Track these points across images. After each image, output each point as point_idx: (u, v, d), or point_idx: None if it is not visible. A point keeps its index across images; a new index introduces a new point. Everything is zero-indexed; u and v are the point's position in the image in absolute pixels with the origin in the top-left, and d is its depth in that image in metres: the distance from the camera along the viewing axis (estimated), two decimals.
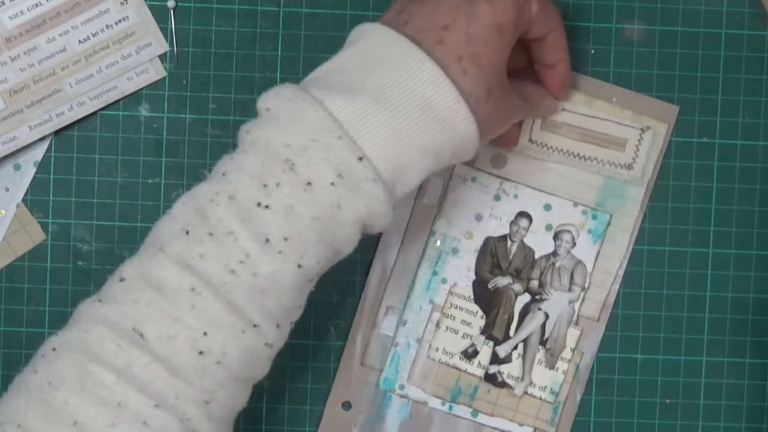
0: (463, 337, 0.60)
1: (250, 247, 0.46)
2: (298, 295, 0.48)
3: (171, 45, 0.61)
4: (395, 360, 0.60)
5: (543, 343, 0.60)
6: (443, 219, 0.60)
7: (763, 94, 0.62)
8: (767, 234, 0.62)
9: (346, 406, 0.60)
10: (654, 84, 0.61)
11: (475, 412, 0.60)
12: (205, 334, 0.46)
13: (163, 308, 0.46)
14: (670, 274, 0.62)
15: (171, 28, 0.61)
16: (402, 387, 0.60)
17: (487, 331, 0.60)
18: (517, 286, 0.60)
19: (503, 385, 0.60)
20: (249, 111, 0.61)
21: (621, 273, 0.60)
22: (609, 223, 0.60)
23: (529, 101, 0.56)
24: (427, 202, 0.60)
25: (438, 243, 0.60)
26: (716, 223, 0.62)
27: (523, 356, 0.60)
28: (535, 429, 0.60)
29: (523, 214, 0.60)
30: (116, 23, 0.60)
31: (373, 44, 0.50)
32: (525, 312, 0.60)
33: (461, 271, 0.60)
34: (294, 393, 0.62)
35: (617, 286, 0.60)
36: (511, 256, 0.60)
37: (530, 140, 0.60)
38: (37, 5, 0.59)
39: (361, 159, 0.47)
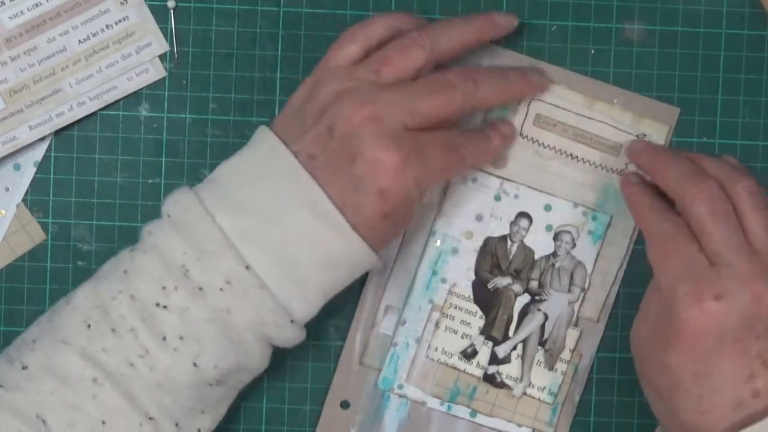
0: (462, 337, 0.60)
1: (149, 344, 0.50)
2: (199, 397, 0.51)
3: (171, 45, 0.61)
4: (394, 359, 0.60)
5: (542, 343, 0.60)
6: (443, 219, 0.60)
7: (763, 94, 0.62)
8: None
9: (345, 405, 0.60)
10: (654, 84, 0.61)
11: (474, 413, 0.60)
12: (103, 422, 0.49)
13: (65, 397, 0.49)
14: None
15: (171, 28, 0.61)
16: (401, 386, 0.60)
17: (486, 332, 0.60)
18: (517, 287, 0.60)
19: (502, 385, 0.60)
20: (249, 111, 0.61)
21: (621, 275, 0.60)
22: (609, 225, 0.60)
23: (468, 148, 0.55)
24: (427, 201, 0.59)
25: (438, 243, 0.60)
26: None
27: (522, 357, 0.60)
28: (534, 430, 0.60)
29: (523, 215, 0.60)
30: (116, 23, 0.60)
31: (266, 157, 0.53)
32: (524, 312, 0.60)
33: (461, 271, 0.60)
34: (294, 393, 0.62)
35: (617, 288, 0.60)
36: (511, 257, 0.60)
37: (522, 135, 0.59)
38: (37, 5, 0.59)
39: (247, 268, 0.50)
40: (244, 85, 0.61)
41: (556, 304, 0.60)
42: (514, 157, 0.60)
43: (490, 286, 0.60)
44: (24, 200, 0.61)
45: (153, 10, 0.60)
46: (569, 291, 0.60)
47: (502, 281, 0.60)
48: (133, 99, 0.61)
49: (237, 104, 0.61)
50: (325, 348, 0.61)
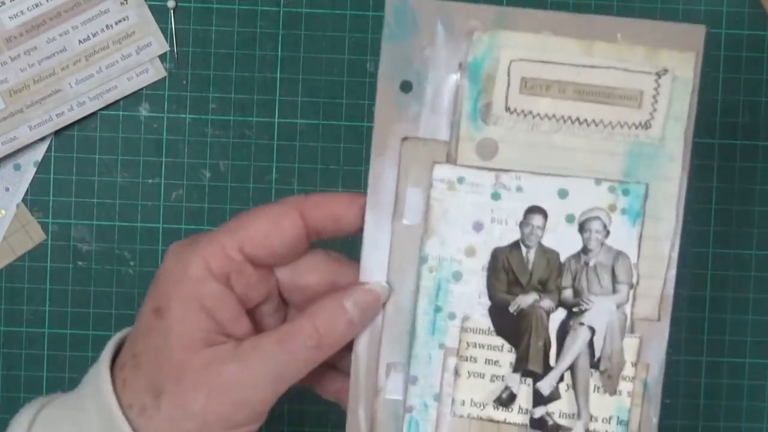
0: (492, 380, 0.48)
1: None
2: None
3: (171, 45, 0.61)
4: (413, 428, 0.48)
5: (595, 365, 0.48)
6: (433, 239, 0.47)
7: (763, 94, 0.62)
8: (767, 234, 0.62)
9: None
10: None
11: None
12: None
13: None
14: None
15: (171, 28, 0.61)
16: None
17: (521, 367, 0.48)
18: (547, 302, 0.48)
19: (556, 428, 0.48)
20: (249, 111, 0.61)
21: (675, 254, 0.47)
22: (646, 196, 0.47)
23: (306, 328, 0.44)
24: (408, 222, 0.46)
25: (433, 271, 0.47)
26: (716, 223, 0.62)
27: (574, 387, 0.48)
28: None
29: (534, 210, 0.47)
30: (116, 23, 0.60)
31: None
32: (564, 332, 0.48)
33: (471, 300, 0.47)
34: (294, 393, 0.62)
35: (674, 271, 0.47)
36: (530, 267, 0.48)
37: (507, 109, 0.47)
38: (37, 5, 0.59)
39: None
40: (244, 85, 0.61)
41: (601, 312, 0.48)
42: (504, 140, 0.47)
43: (512, 309, 0.48)
44: (24, 200, 0.61)
45: (153, 10, 0.60)
46: (614, 291, 0.48)
47: (526, 300, 0.48)
48: (133, 99, 0.61)
49: (237, 104, 0.61)
50: None
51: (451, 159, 0.47)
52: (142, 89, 0.61)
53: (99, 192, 0.61)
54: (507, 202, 0.47)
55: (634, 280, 0.48)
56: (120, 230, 0.61)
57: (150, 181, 0.61)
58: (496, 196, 0.47)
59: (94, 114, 0.61)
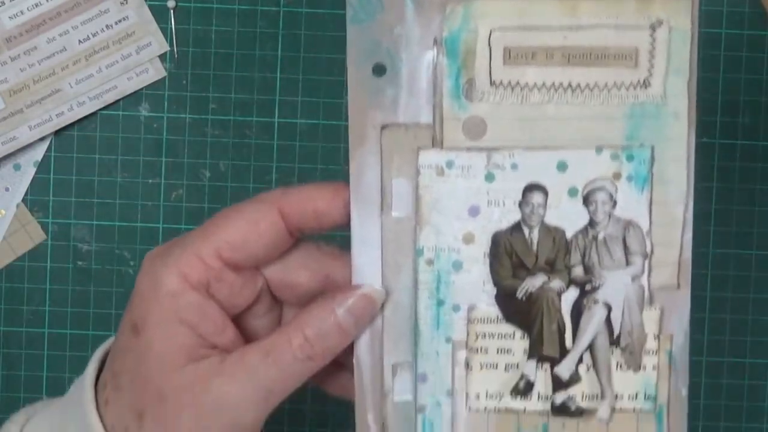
0: (506, 369, 0.46)
1: None
2: None
3: (171, 45, 0.61)
4: (428, 428, 0.45)
5: (615, 342, 0.46)
6: (427, 230, 0.44)
7: (763, 94, 0.62)
8: (767, 234, 0.62)
9: None
10: None
11: None
12: None
13: None
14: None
15: (171, 28, 0.61)
16: None
17: (536, 353, 0.45)
18: (557, 283, 0.45)
19: (580, 412, 0.45)
20: (249, 111, 0.61)
21: (690, 215, 0.44)
22: (652, 159, 0.44)
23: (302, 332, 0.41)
24: (398, 214, 0.44)
25: (430, 263, 0.44)
26: (716, 223, 0.62)
27: (595, 367, 0.46)
28: None
29: (533, 188, 0.45)
30: (116, 23, 0.60)
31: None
32: (578, 312, 0.45)
33: (475, 289, 0.45)
34: (294, 393, 0.62)
35: (690, 235, 0.45)
36: (534, 248, 0.45)
37: (492, 83, 0.44)
38: (37, 5, 0.59)
39: None
40: (244, 85, 0.61)
41: (615, 286, 0.45)
42: (492, 117, 0.44)
43: (520, 294, 0.45)
44: (24, 200, 0.61)
45: (153, 10, 0.60)
46: (628, 264, 0.45)
47: (533, 283, 0.45)
48: (133, 99, 0.61)
49: (237, 104, 0.61)
50: None
51: (436, 143, 0.44)
52: (142, 89, 0.61)
53: (99, 192, 0.61)
54: (502, 183, 0.44)
55: (648, 250, 0.45)
56: (120, 230, 0.61)
57: (150, 181, 0.61)
58: (490, 178, 0.44)
59: (94, 114, 0.61)
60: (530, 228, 0.45)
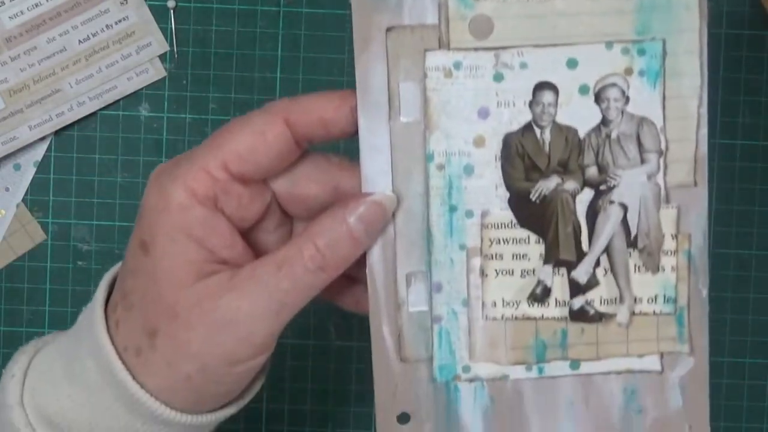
0: (522, 276, 0.44)
1: None
2: None
3: (171, 45, 0.61)
4: (444, 339, 0.44)
5: (632, 243, 0.44)
6: (437, 134, 0.43)
7: (763, 94, 0.62)
8: (767, 234, 0.62)
9: (404, 419, 0.44)
10: None
11: (576, 364, 0.44)
12: None
13: None
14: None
15: (171, 28, 0.61)
16: (467, 369, 0.44)
17: (552, 257, 0.44)
18: (570, 184, 0.43)
19: (599, 317, 0.44)
20: (249, 111, 0.61)
21: (704, 110, 0.44)
22: (664, 52, 0.43)
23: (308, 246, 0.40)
24: (407, 119, 0.42)
25: (441, 168, 0.43)
26: (716, 223, 0.62)
27: (612, 270, 0.44)
28: (663, 355, 0.45)
29: (543, 86, 0.43)
30: (116, 23, 0.60)
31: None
32: (593, 214, 0.44)
33: (487, 194, 0.43)
34: (294, 393, 0.62)
35: (705, 129, 0.44)
36: (547, 148, 0.43)
37: None
38: (37, 5, 0.59)
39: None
40: (244, 85, 0.61)
41: (631, 186, 0.44)
42: (499, 15, 0.42)
43: (533, 197, 0.43)
44: (24, 200, 0.61)
45: (153, 10, 0.60)
46: (643, 162, 0.44)
47: (547, 185, 0.43)
48: (133, 99, 0.61)
49: (237, 104, 0.61)
50: (326, 348, 0.61)
51: (443, 44, 0.42)
52: (142, 89, 0.61)
53: (99, 192, 0.61)
54: (512, 82, 0.43)
55: (663, 146, 0.44)
56: (120, 230, 0.61)
57: None
58: (498, 78, 0.43)
59: (93, 114, 0.61)
60: (542, 128, 0.43)
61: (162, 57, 0.61)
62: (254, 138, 0.39)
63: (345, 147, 0.41)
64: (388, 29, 0.41)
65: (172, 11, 0.61)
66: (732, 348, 0.63)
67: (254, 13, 0.61)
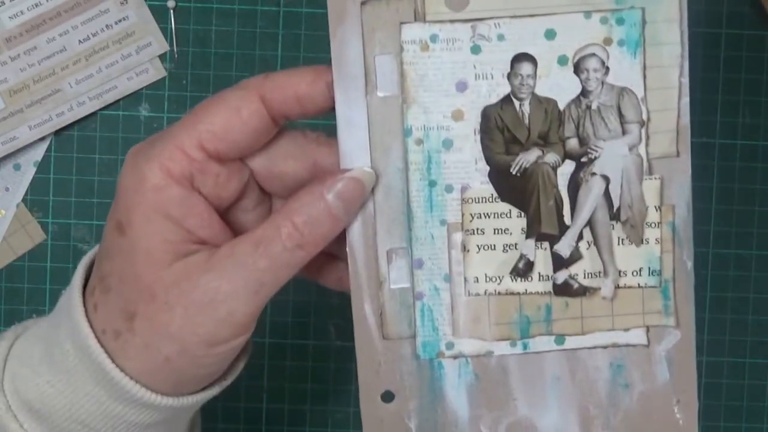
0: (504, 250, 0.43)
1: None
2: None
3: (171, 45, 0.61)
4: (427, 315, 0.44)
5: (615, 216, 0.43)
6: (414, 108, 0.42)
7: (763, 94, 0.62)
8: (767, 234, 0.62)
9: (387, 397, 0.44)
10: None
11: (561, 338, 0.44)
12: None
13: None
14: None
15: (171, 28, 0.61)
16: (450, 346, 0.44)
17: (534, 232, 0.43)
18: (551, 156, 0.43)
19: (583, 291, 0.44)
20: None
21: (685, 79, 0.43)
22: (644, 21, 0.42)
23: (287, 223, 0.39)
24: (384, 93, 0.42)
25: (420, 143, 0.42)
26: (716, 223, 0.62)
27: (596, 243, 0.44)
28: (648, 328, 0.44)
29: (521, 58, 0.42)
30: (116, 23, 0.60)
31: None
32: (575, 186, 0.43)
33: (467, 168, 0.43)
34: (294, 393, 0.62)
35: (687, 98, 0.43)
36: (526, 121, 0.43)
37: None
38: (37, 5, 0.59)
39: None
40: None
41: (612, 157, 0.43)
42: None
43: (514, 170, 0.43)
44: (24, 200, 0.61)
45: (153, 10, 0.60)
46: (624, 133, 0.43)
47: (527, 157, 0.43)
48: (133, 99, 0.61)
49: None
50: (326, 348, 0.61)
51: (419, 16, 0.42)
52: (142, 89, 0.61)
53: (99, 192, 0.61)
54: (489, 54, 0.42)
55: (644, 117, 0.43)
56: None
57: None
58: (476, 50, 0.42)
59: (93, 114, 0.61)
60: (521, 101, 0.43)
61: (162, 57, 0.61)
62: (229, 115, 0.38)
63: (323, 124, 0.41)
64: (363, 2, 0.41)
65: (172, 11, 0.61)
66: (732, 348, 0.63)
67: (254, 13, 0.61)
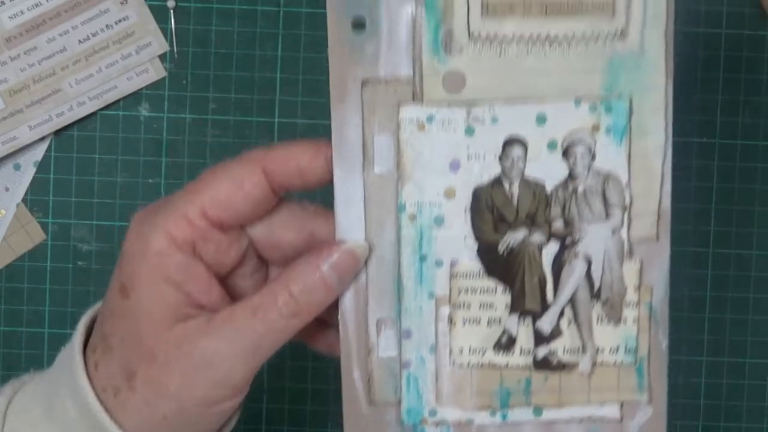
0: (489, 324, 0.45)
1: None
2: None
3: (171, 45, 0.61)
4: (412, 383, 0.46)
5: (596, 295, 0.45)
6: (409, 185, 0.44)
7: (763, 94, 0.62)
8: (767, 234, 0.62)
9: None
10: None
11: (538, 410, 0.46)
12: None
13: None
14: (671, 273, 0.62)
15: (171, 28, 0.61)
16: (433, 413, 0.45)
17: (518, 307, 0.45)
18: (538, 237, 0.45)
19: (562, 366, 0.46)
20: (249, 111, 0.61)
21: (668, 167, 0.45)
22: (631, 110, 0.44)
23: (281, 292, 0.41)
24: (380, 170, 0.43)
25: (413, 218, 0.44)
26: (716, 223, 0.62)
27: (576, 321, 0.46)
28: (623, 403, 0.46)
29: (513, 142, 0.44)
30: (116, 23, 0.60)
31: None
32: (558, 266, 0.45)
33: (457, 244, 0.45)
34: (294, 393, 0.62)
35: (669, 185, 0.45)
36: (515, 201, 0.45)
37: (470, 36, 0.44)
38: (37, 5, 0.59)
39: None
40: (244, 85, 0.61)
41: (595, 240, 0.45)
42: (471, 70, 0.43)
43: (501, 248, 0.45)
44: (24, 200, 0.61)
45: (153, 10, 0.60)
46: (607, 216, 0.45)
47: (515, 237, 0.45)
48: (133, 99, 0.61)
49: (237, 104, 0.61)
50: None
51: (417, 97, 0.43)
52: (142, 89, 0.61)
53: (99, 192, 0.61)
54: (483, 136, 0.44)
55: (627, 201, 0.45)
56: (120, 230, 0.61)
57: (150, 181, 0.61)
58: (470, 131, 0.44)
59: (93, 114, 0.61)
60: (510, 182, 0.44)
61: (162, 57, 0.61)
62: (232, 186, 0.40)
63: (321, 194, 0.42)
64: (364, 82, 0.42)
65: (172, 11, 0.61)
66: (732, 348, 0.63)
67: (254, 13, 0.61)
